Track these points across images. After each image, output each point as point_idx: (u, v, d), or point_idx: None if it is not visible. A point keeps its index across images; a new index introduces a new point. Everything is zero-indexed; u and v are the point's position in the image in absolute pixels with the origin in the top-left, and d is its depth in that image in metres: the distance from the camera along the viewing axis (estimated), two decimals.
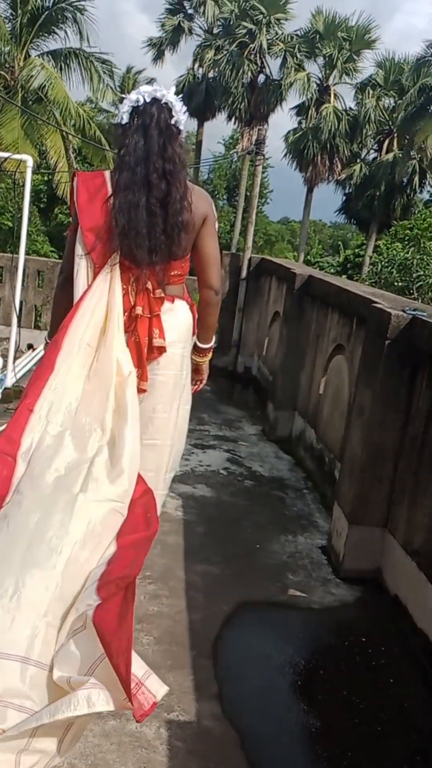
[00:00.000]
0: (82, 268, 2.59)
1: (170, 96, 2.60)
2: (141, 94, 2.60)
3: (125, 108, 2.61)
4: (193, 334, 2.86)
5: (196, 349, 2.93)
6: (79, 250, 2.59)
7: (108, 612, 1.85)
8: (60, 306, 2.66)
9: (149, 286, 2.60)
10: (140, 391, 2.59)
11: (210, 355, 3.00)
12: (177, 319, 2.74)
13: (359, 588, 3.75)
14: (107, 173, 2.67)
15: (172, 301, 2.71)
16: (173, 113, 2.61)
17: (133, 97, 2.62)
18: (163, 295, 2.64)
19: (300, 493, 5.04)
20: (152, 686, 1.84)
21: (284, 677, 2.95)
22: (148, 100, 2.59)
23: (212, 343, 2.97)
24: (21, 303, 7.96)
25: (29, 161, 6.13)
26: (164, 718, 2.62)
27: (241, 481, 5.11)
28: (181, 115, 2.64)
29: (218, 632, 3.20)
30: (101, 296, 2.54)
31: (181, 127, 2.66)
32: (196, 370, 2.95)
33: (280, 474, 5.40)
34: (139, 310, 2.60)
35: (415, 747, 2.67)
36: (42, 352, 8.04)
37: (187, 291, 2.84)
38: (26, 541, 2.08)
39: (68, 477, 2.26)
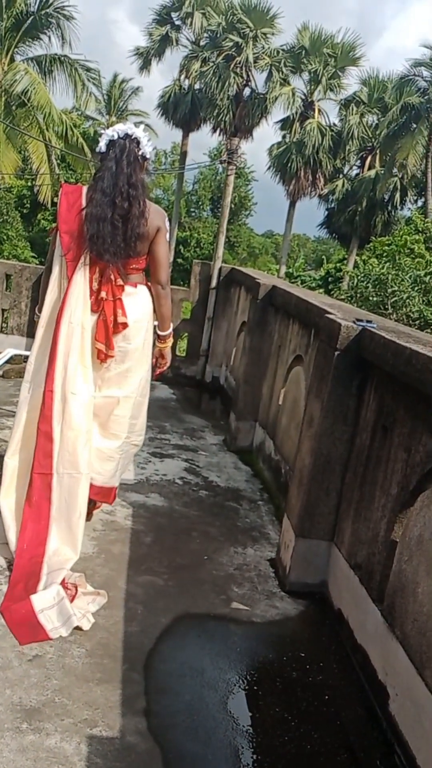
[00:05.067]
0: (57, 259, 3.50)
1: (139, 132, 3.44)
2: (116, 130, 3.42)
3: (104, 140, 3.43)
4: (154, 310, 3.75)
5: (158, 337, 3.87)
6: (57, 246, 3.48)
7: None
8: (46, 283, 3.59)
9: (112, 277, 3.46)
10: (107, 357, 3.56)
11: (170, 341, 3.92)
12: (141, 300, 3.65)
13: (303, 602, 3.68)
14: (84, 188, 3.49)
15: (135, 287, 3.62)
16: (141, 146, 3.42)
17: (110, 132, 3.43)
18: (122, 283, 3.50)
19: (254, 505, 4.97)
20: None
21: (216, 693, 2.87)
22: (121, 135, 3.40)
23: (170, 331, 3.88)
24: None
25: None
26: (86, 733, 2.53)
27: (196, 491, 5.04)
28: (147, 148, 3.45)
29: (153, 645, 3.11)
30: (77, 290, 3.41)
31: (148, 156, 3.47)
32: (160, 354, 3.91)
33: (237, 485, 5.33)
34: (103, 294, 3.46)
35: (346, 766, 2.61)
36: (8, 356, 7.95)
37: (146, 279, 3.72)
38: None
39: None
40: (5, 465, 3.69)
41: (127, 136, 3.40)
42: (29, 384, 3.64)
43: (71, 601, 3.18)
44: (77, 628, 3.09)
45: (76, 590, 3.28)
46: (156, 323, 3.84)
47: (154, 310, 3.77)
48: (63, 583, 3.26)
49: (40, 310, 3.75)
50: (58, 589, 3.20)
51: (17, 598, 3.18)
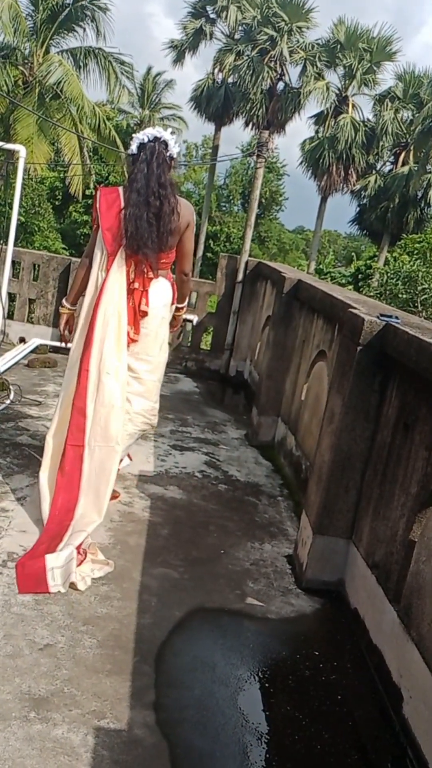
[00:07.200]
0: (98, 251, 3.81)
1: (167, 135, 3.75)
2: (146, 134, 3.74)
3: (134, 143, 3.77)
4: (172, 303, 4.12)
5: (176, 308, 4.29)
6: (98, 241, 3.80)
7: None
8: (79, 276, 3.98)
9: (144, 269, 3.78)
10: (131, 341, 3.85)
11: (184, 310, 4.40)
12: (162, 290, 3.95)
13: (319, 600, 3.62)
14: (120, 189, 3.82)
15: (158, 278, 3.90)
16: (168, 148, 3.75)
17: (140, 136, 3.75)
18: (152, 276, 3.83)
19: (274, 500, 4.92)
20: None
21: (227, 688, 2.83)
22: (150, 138, 3.72)
23: (185, 304, 4.37)
24: (11, 295, 7.90)
25: (22, 151, 6.07)
26: (94, 724, 2.51)
27: (215, 485, 5.00)
28: (174, 149, 3.77)
29: (165, 638, 3.08)
30: (115, 280, 3.74)
31: (175, 156, 3.81)
32: (174, 317, 4.28)
33: (257, 480, 5.28)
34: (136, 284, 3.80)
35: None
36: (33, 345, 8.01)
37: (170, 273, 4.06)
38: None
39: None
40: (47, 443, 3.99)
41: (156, 139, 3.71)
42: (70, 369, 3.91)
43: (78, 565, 3.39)
44: (72, 585, 3.30)
45: (86, 556, 3.49)
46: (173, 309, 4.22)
47: (171, 303, 4.11)
48: (78, 548, 3.44)
49: (68, 301, 4.13)
50: (71, 550, 3.38)
51: (36, 555, 3.42)
